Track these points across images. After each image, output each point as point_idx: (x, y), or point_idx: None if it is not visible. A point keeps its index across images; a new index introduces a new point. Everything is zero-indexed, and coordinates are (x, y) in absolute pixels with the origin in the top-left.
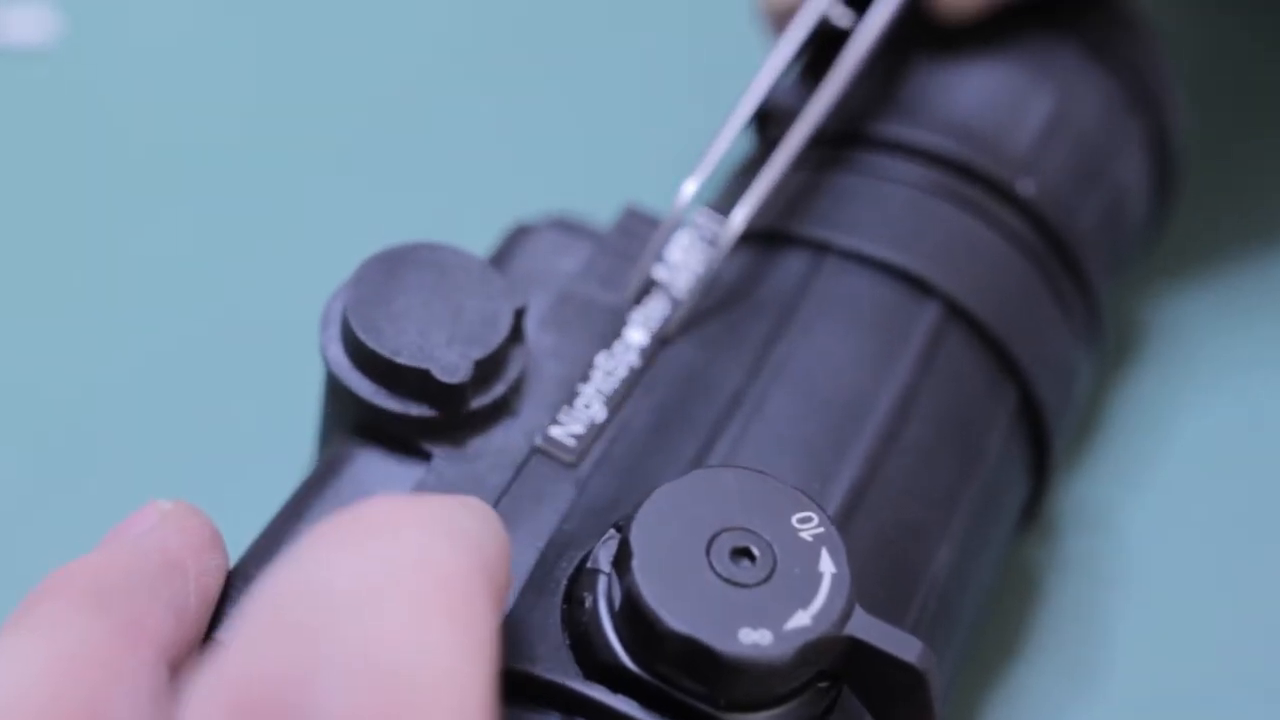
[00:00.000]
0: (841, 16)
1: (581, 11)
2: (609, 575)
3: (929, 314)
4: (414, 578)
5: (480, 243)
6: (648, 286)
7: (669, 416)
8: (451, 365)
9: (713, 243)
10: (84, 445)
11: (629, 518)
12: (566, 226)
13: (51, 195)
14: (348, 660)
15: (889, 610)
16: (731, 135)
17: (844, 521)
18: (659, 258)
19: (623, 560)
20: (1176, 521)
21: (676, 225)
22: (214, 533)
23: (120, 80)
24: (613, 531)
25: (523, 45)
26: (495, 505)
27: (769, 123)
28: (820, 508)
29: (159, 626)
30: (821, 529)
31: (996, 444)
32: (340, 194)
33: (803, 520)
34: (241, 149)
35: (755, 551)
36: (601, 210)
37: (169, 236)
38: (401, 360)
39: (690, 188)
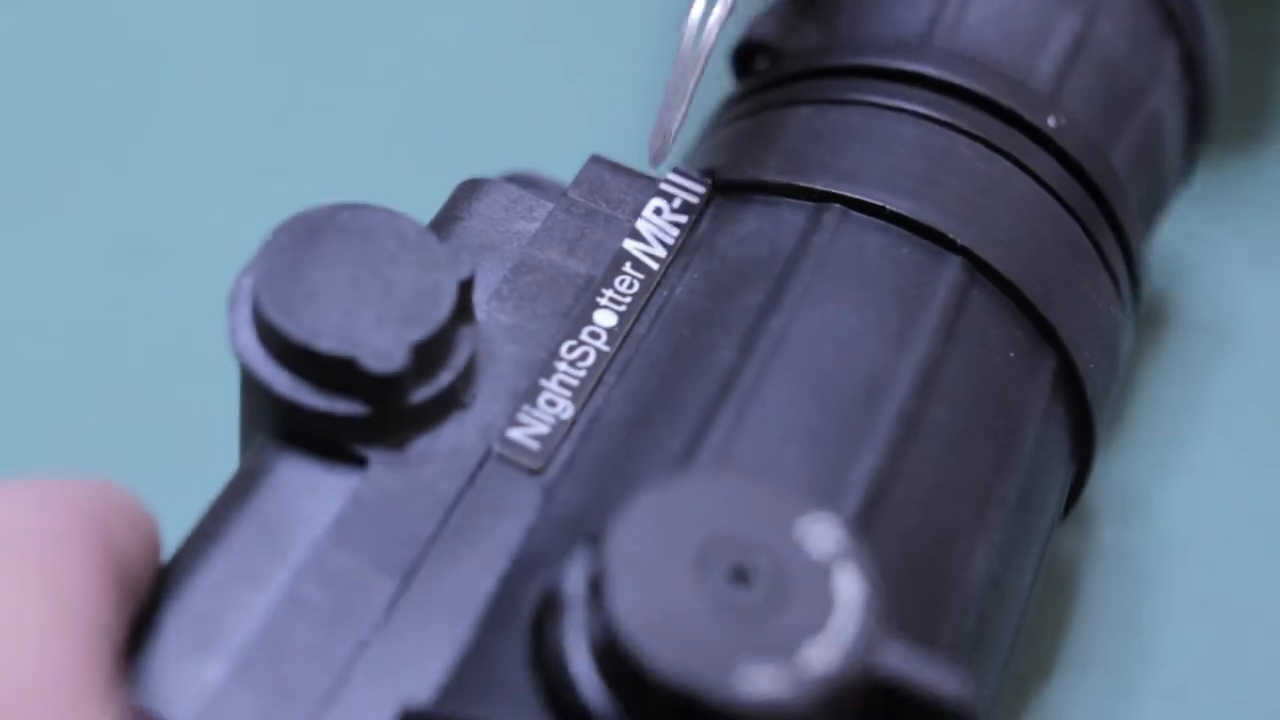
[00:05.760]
0: None
1: None
2: (583, 603)
3: (949, 273)
4: None
5: (428, 207)
6: (619, 259)
7: (649, 406)
8: (384, 350)
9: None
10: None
11: (605, 533)
12: (524, 181)
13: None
14: None
15: (919, 634)
16: (683, 88)
17: (863, 526)
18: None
19: (598, 585)
20: (1218, 505)
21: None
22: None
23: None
24: (585, 549)
25: None
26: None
27: (751, 58)
28: (834, 511)
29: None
30: (837, 537)
31: (1035, 423)
32: (277, 150)
33: (813, 527)
34: (195, 110)
35: (757, 569)
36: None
37: (126, 207)
38: (323, 346)
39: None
